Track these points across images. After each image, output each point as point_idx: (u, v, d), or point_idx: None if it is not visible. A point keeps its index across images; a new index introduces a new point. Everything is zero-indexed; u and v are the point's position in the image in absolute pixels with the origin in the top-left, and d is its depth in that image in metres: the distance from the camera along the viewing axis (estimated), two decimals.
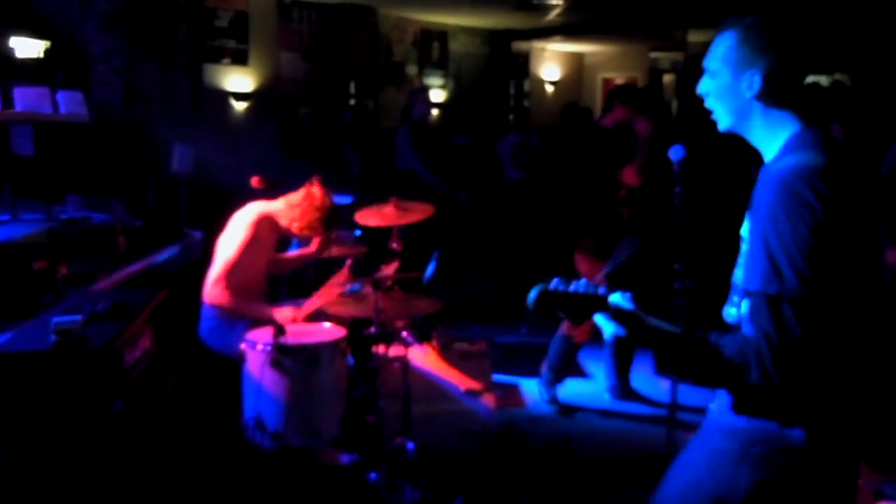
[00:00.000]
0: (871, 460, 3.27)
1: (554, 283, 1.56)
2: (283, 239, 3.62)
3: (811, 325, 1.39)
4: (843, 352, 1.47)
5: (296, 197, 3.31)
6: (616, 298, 1.54)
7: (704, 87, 1.63)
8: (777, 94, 1.55)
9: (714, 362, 1.48)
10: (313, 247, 3.52)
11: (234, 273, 3.19)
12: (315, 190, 3.30)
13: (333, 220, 3.34)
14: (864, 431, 1.59)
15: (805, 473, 1.53)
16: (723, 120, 1.64)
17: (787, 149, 1.53)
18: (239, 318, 3.24)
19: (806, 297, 1.38)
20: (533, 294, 1.56)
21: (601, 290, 1.55)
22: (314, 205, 3.27)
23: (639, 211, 3.94)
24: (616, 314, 1.53)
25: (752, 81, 1.54)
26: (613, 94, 4.28)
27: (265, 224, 3.29)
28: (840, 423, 1.54)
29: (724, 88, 1.59)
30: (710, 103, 1.64)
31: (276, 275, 3.80)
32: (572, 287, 1.56)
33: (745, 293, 1.49)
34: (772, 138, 1.57)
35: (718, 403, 1.66)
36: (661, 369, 1.62)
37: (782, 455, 1.52)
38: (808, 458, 1.52)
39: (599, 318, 1.55)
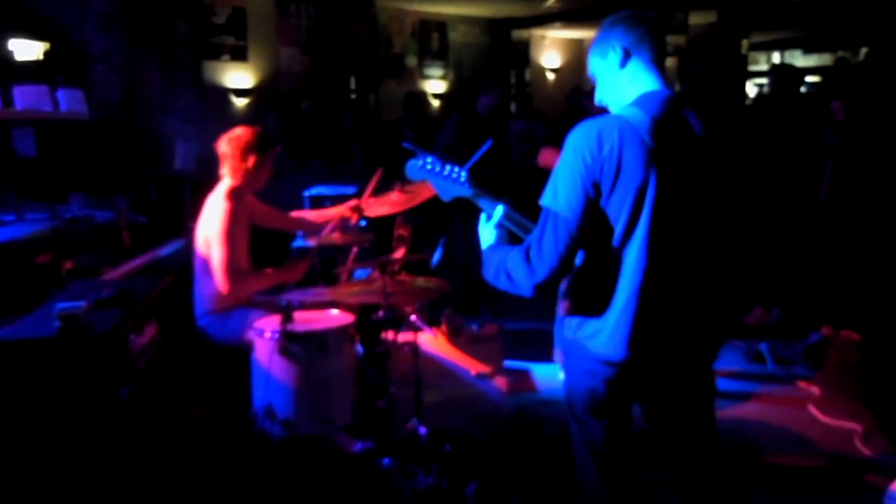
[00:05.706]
0: (888, 431, 3.23)
1: (431, 159, 1.99)
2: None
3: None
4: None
5: (222, 153, 3.21)
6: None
7: None
8: None
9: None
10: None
11: (234, 259, 3.07)
12: (226, 137, 3.22)
13: (265, 142, 3.22)
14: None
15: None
16: None
17: None
18: (236, 304, 3.18)
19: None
20: (413, 164, 1.99)
21: (464, 176, 1.95)
22: (236, 143, 3.17)
23: None
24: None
25: None
26: None
27: (233, 197, 3.17)
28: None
29: None
30: None
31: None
32: (446, 167, 1.96)
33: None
34: None
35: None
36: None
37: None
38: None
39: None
